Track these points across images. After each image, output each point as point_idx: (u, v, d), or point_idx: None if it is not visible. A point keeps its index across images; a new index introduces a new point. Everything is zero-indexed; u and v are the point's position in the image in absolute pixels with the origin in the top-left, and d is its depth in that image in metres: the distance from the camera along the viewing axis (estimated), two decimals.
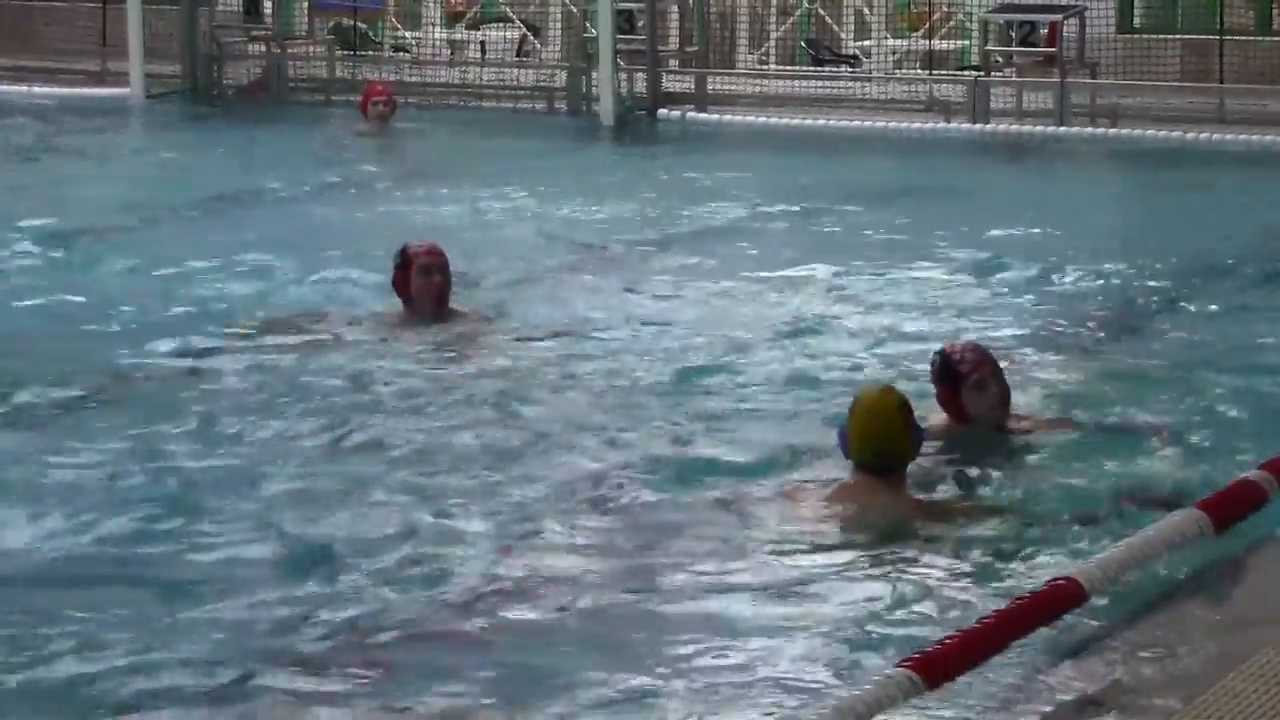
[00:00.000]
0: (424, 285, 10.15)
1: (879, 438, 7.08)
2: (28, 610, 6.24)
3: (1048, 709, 4.86)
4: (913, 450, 7.17)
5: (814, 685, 5.47)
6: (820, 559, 6.69)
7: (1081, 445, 8.07)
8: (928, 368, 8.29)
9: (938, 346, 8.57)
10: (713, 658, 5.79)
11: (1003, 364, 8.60)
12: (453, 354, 9.91)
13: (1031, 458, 7.94)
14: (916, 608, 6.20)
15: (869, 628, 6.06)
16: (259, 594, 6.49)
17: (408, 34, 24.07)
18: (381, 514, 7.24)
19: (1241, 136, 17.90)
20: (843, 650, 5.79)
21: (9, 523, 7.39)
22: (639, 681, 5.58)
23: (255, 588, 6.55)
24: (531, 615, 6.30)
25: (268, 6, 21.99)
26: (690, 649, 5.84)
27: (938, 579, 6.47)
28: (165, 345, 10.09)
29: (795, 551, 6.82)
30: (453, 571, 6.60)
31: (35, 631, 6.06)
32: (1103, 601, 5.53)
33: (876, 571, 6.61)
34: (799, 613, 6.24)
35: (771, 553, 6.83)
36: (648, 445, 8.27)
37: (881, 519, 7.09)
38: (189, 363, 9.68)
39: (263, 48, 21.93)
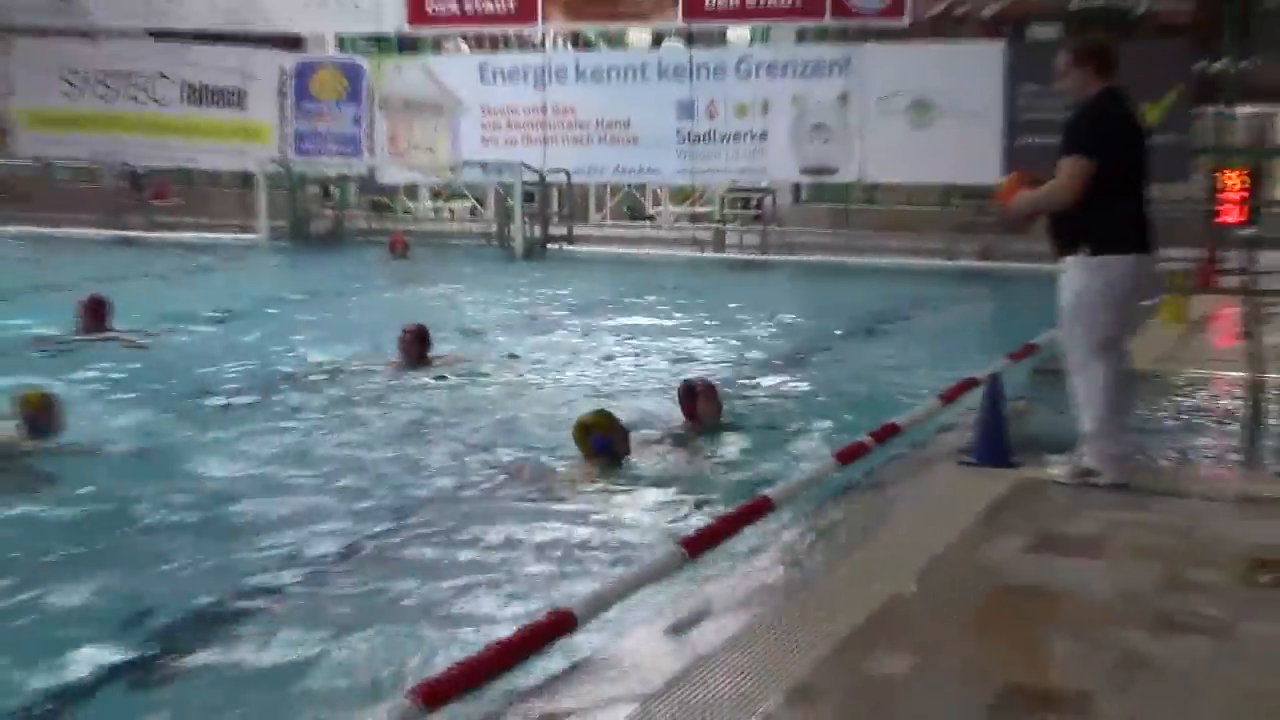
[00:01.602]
0: (404, 344, 12.69)
1: (576, 440, 9.39)
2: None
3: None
4: (589, 450, 9.37)
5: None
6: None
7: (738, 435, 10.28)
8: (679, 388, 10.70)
9: (685, 375, 11.52)
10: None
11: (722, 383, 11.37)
12: (414, 383, 12.11)
13: (713, 446, 10.01)
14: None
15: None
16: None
17: (411, 204, 27.59)
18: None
19: (862, 259, 21.98)
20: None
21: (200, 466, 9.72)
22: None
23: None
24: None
25: (334, 190, 26.43)
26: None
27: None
28: (283, 369, 13.24)
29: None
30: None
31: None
32: (591, 628, 5.95)
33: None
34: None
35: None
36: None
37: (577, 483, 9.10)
38: (289, 387, 12.36)
39: (330, 212, 26.09)
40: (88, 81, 27.50)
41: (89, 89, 27.51)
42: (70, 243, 24.46)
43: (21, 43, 27.71)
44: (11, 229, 25.65)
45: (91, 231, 25.21)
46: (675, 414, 10.48)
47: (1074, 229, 8.07)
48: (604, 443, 9.50)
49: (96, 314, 14.51)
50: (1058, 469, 8.46)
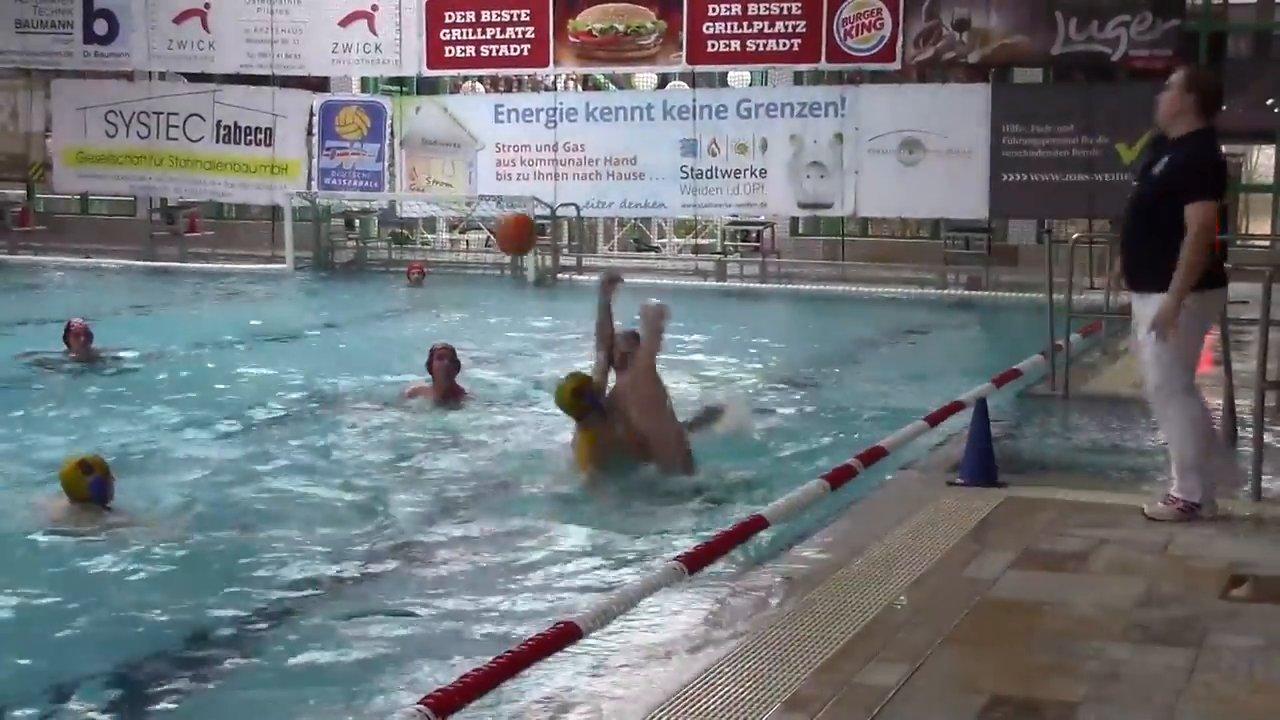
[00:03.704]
0: (438, 367, 12.21)
1: (566, 406, 9.57)
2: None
3: None
4: (581, 410, 9.50)
5: None
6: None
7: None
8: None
9: (691, 396, 11.87)
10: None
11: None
12: (443, 410, 11.92)
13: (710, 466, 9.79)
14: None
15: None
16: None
17: (430, 235, 27.39)
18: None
19: (856, 289, 21.81)
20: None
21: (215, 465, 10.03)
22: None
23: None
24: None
25: (357, 223, 26.44)
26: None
27: None
28: (300, 393, 13.22)
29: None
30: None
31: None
32: (601, 639, 6.00)
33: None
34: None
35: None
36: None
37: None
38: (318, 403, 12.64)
39: (354, 243, 26.11)
40: (126, 120, 27.60)
41: (128, 128, 27.59)
42: (107, 273, 24.68)
43: (64, 84, 27.98)
44: (51, 259, 25.92)
45: (127, 262, 25.44)
46: None
47: (1165, 265, 7.75)
48: (594, 398, 9.57)
49: (83, 340, 14.45)
50: (1153, 505, 8.17)
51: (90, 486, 8.45)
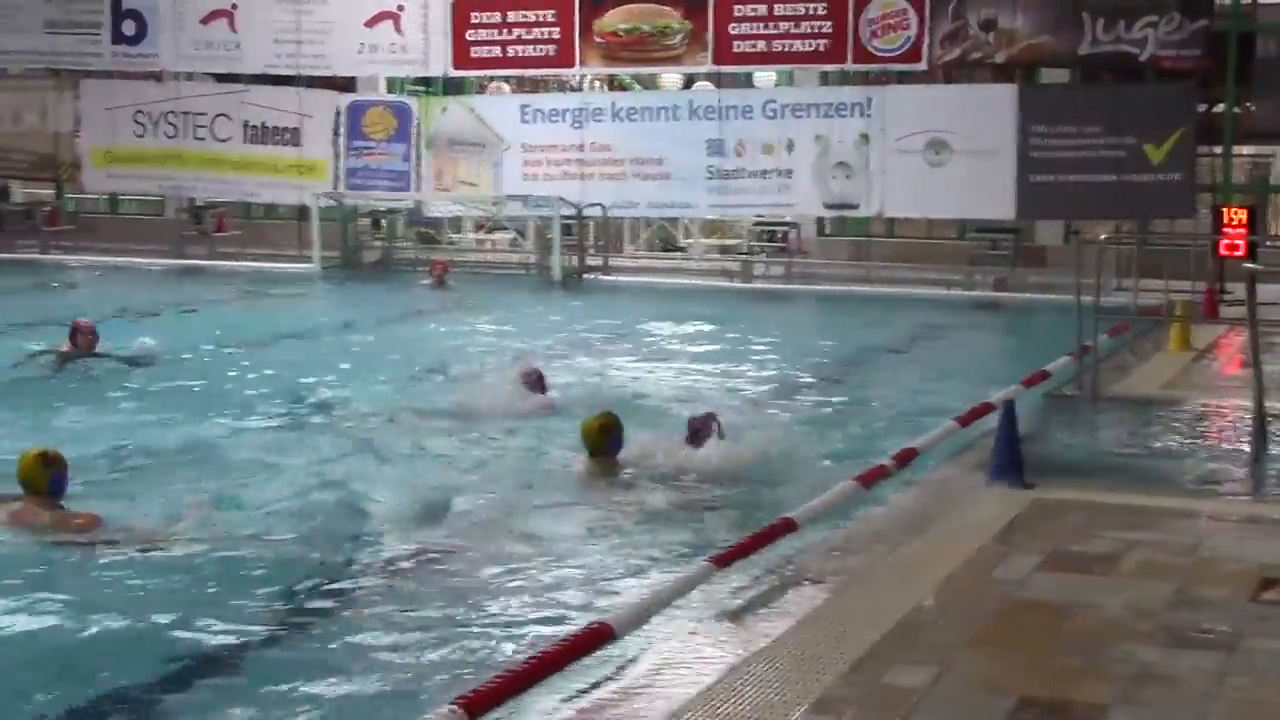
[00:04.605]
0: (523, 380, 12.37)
1: (586, 440, 9.71)
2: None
3: None
4: (608, 447, 9.65)
5: None
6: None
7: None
8: (701, 395, 11.92)
9: (718, 395, 12.41)
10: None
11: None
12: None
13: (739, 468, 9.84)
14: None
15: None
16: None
17: (456, 235, 27.45)
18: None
19: (882, 289, 22.01)
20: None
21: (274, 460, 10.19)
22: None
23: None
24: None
25: (384, 223, 26.54)
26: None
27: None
28: (337, 392, 13.32)
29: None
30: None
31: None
32: (630, 639, 6.01)
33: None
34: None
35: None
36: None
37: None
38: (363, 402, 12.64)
39: (380, 243, 26.25)
40: (155, 121, 27.64)
41: (156, 128, 27.64)
42: (135, 272, 24.79)
43: (93, 84, 27.99)
44: (80, 259, 26.02)
45: (156, 261, 25.62)
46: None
47: None
48: (618, 441, 9.73)
49: (91, 338, 14.58)
50: None
51: (51, 480, 8.49)
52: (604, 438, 9.73)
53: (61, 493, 8.60)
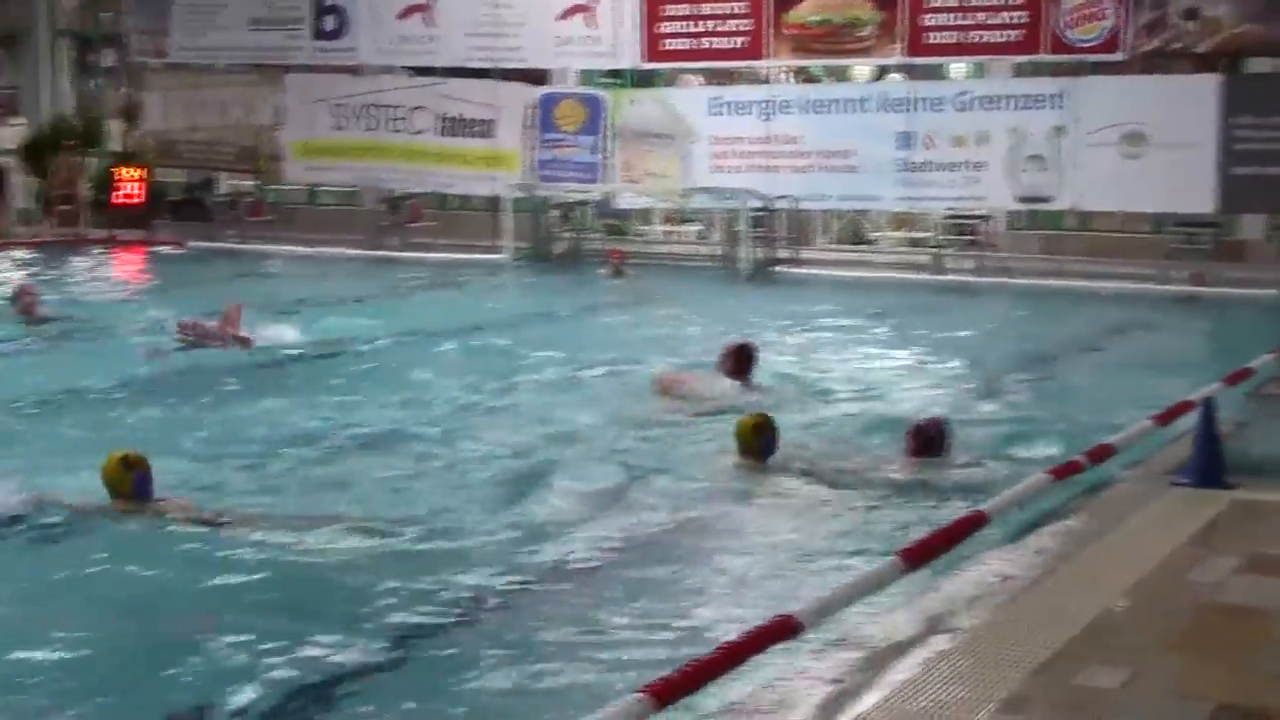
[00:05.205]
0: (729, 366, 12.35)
1: (746, 438, 9.67)
2: None
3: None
4: (762, 447, 9.62)
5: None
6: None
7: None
8: (894, 395, 11.88)
9: (909, 389, 12.55)
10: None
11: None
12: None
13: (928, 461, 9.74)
14: None
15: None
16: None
17: (644, 227, 27.08)
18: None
19: (1076, 283, 21.59)
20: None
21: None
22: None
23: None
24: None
25: (574, 214, 26.34)
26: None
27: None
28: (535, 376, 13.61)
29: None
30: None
31: None
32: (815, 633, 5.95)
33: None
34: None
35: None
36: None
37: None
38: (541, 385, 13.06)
39: (570, 234, 26.15)
40: (353, 114, 28.24)
41: (354, 120, 28.24)
42: (333, 261, 25.39)
43: (295, 79, 28.64)
44: (281, 248, 26.67)
45: (352, 251, 26.13)
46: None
47: None
48: (772, 440, 9.66)
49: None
50: None
51: (134, 482, 8.46)
52: (757, 437, 9.68)
53: (147, 494, 8.53)
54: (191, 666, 6.24)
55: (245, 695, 5.93)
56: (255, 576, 7.52)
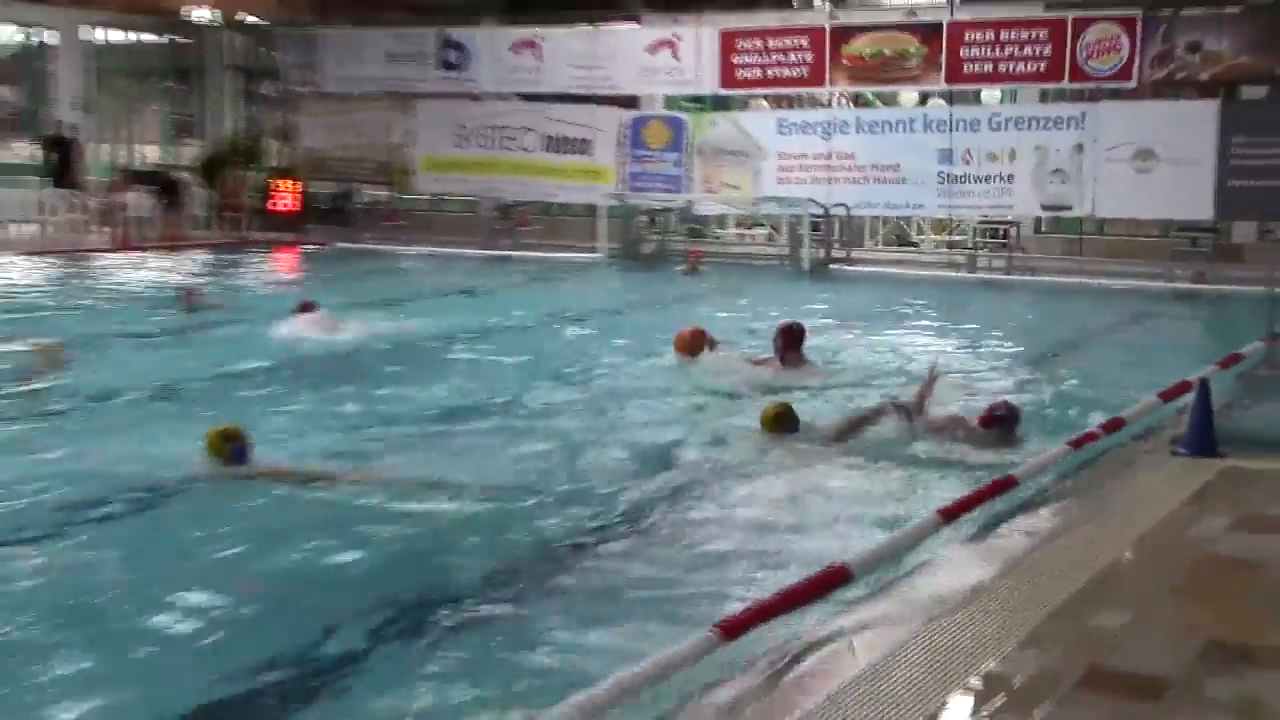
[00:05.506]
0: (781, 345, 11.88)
1: (770, 426, 9.36)
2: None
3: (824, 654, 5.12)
4: (779, 429, 9.26)
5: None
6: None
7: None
8: (920, 371, 10.89)
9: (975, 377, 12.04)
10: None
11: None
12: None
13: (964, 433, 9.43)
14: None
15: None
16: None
17: (720, 231, 27.32)
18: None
19: (1092, 281, 21.20)
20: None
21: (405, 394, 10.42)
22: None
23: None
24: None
25: (659, 219, 26.25)
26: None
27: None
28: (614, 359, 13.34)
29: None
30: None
31: None
32: (865, 580, 5.87)
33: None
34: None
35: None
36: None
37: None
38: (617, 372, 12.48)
39: (656, 237, 26.07)
40: (472, 134, 28.32)
41: (473, 139, 28.31)
42: (455, 259, 25.39)
43: (422, 105, 28.86)
44: (413, 249, 26.69)
45: (470, 250, 26.05)
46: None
47: None
48: (793, 426, 9.37)
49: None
50: None
51: (231, 455, 8.14)
52: (779, 425, 9.43)
53: (245, 463, 8.18)
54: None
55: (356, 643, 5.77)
56: (381, 531, 7.35)
